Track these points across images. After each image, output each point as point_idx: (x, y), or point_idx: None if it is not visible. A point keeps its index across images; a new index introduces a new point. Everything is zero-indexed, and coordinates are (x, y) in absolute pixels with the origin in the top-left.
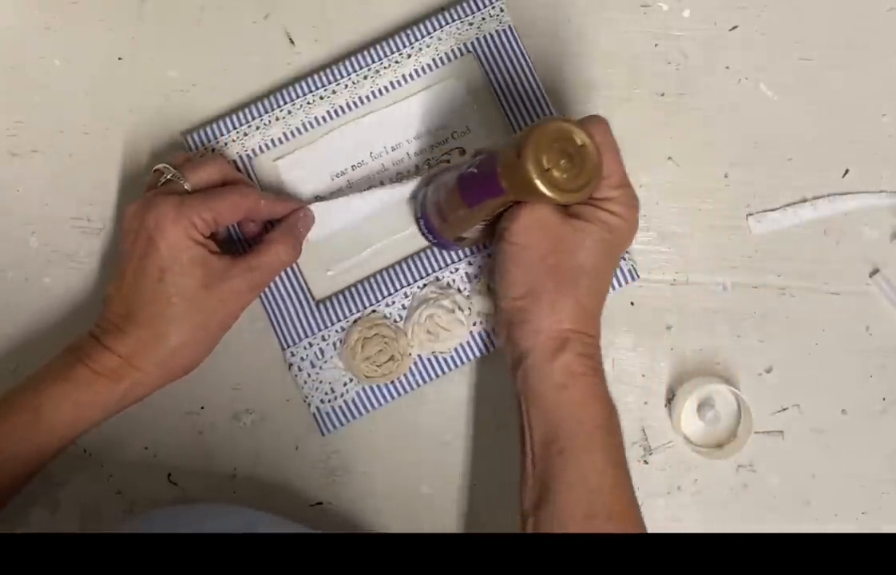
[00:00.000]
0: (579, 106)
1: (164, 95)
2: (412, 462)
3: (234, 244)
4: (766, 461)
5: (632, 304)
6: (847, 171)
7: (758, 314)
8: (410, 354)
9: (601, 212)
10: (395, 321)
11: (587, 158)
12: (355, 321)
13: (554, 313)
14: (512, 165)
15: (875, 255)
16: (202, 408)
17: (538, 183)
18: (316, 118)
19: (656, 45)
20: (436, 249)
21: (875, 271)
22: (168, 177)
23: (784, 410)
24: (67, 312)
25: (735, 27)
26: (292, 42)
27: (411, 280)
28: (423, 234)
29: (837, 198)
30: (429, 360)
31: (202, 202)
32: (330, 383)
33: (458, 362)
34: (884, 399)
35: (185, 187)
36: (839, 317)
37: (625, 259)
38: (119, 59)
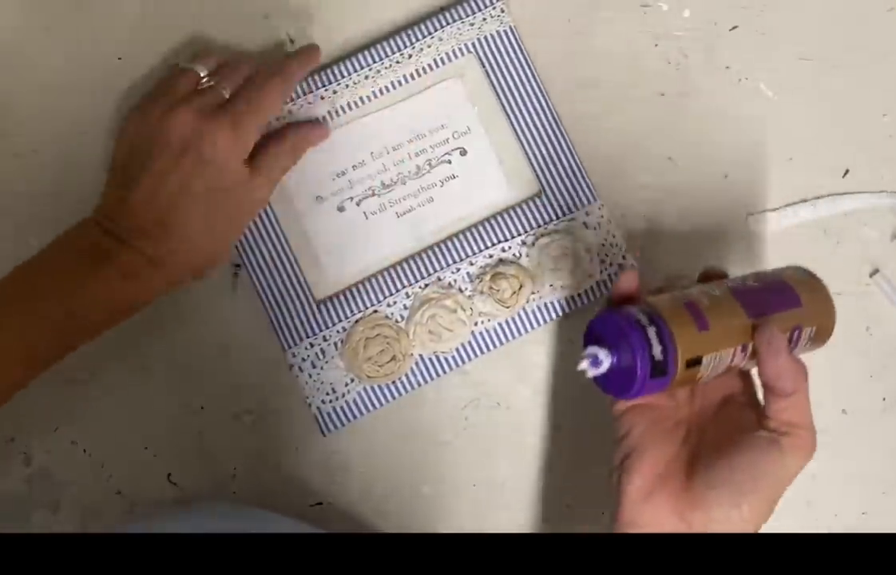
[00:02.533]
0: (579, 106)
1: None
2: (412, 462)
3: None
4: None
5: None
6: (847, 172)
7: None
8: (412, 354)
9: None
10: (397, 321)
11: None
12: (357, 321)
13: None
14: (818, 306)
15: (875, 256)
16: (202, 408)
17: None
18: (317, 118)
19: (656, 45)
20: (438, 249)
21: (875, 271)
22: (207, 84)
23: None
24: None
25: (735, 27)
26: (292, 42)
27: (413, 280)
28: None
29: (837, 198)
30: (430, 359)
31: (254, 115)
32: (331, 383)
33: (459, 362)
34: (884, 399)
35: (225, 96)
36: (839, 317)
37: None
38: (119, 59)
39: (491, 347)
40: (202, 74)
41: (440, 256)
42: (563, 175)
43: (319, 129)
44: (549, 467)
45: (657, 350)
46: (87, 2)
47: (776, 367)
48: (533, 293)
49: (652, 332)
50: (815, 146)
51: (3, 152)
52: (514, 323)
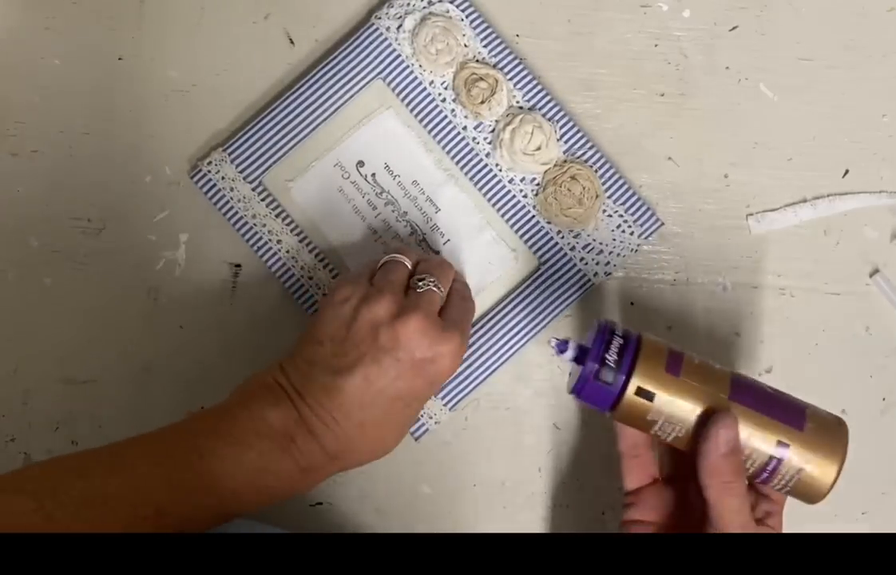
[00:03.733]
0: (579, 106)
1: (164, 95)
2: (412, 462)
3: None
4: None
5: (632, 304)
6: (847, 172)
7: (758, 314)
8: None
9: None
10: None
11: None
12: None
13: None
14: (821, 446)
15: (875, 255)
16: (202, 408)
17: (835, 481)
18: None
19: (656, 45)
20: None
21: (875, 271)
22: (427, 287)
23: None
24: (67, 312)
25: (735, 27)
26: (292, 42)
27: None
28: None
29: (837, 198)
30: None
31: (464, 333)
32: None
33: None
34: (884, 399)
35: (443, 298)
36: (839, 317)
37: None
38: (119, 59)
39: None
40: (427, 283)
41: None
42: None
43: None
44: (549, 467)
45: (612, 358)
46: (86, 1)
47: (706, 459)
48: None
49: (618, 342)
50: (815, 146)
51: (3, 152)
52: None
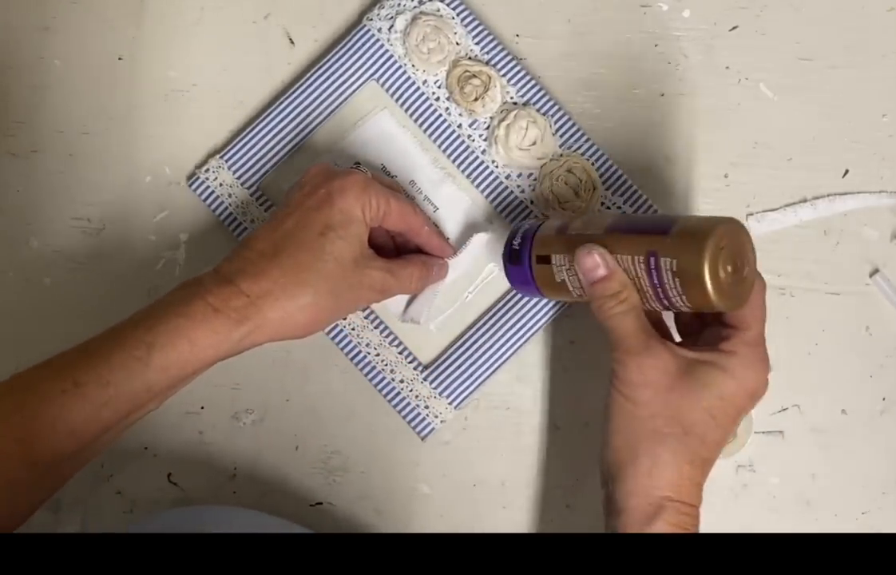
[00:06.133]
0: (579, 106)
1: (164, 95)
2: (412, 462)
3: None
4: (766, 461)
5: None
6: (847, 172)
7: None
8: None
9: (724, 372)
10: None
11: (747, 273)
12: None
13: (651, 478)
14: (685, 245)
15: (875, 256)
16: (202, 408)
17: (707, 272)
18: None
19: (656, 45)
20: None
21: (875, 271)
22: (358, 168)
23: (784, 410)
24: (67, 312)
25: (735, 27)
26: (292, 42)
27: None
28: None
29: (837, 198)
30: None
31: (384, 192)
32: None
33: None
34: (884, 399)
35: (369, 176)
36: (839, 317)
37: None
38: (119, 58)
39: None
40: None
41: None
42: None
43: (443, 269)
44: (549, 467)
45: (517, 242)
46: (86, 1)
47: (581, 261)
48: None
49: (523, 229)
50: (815, 146)
51: (3, 152)
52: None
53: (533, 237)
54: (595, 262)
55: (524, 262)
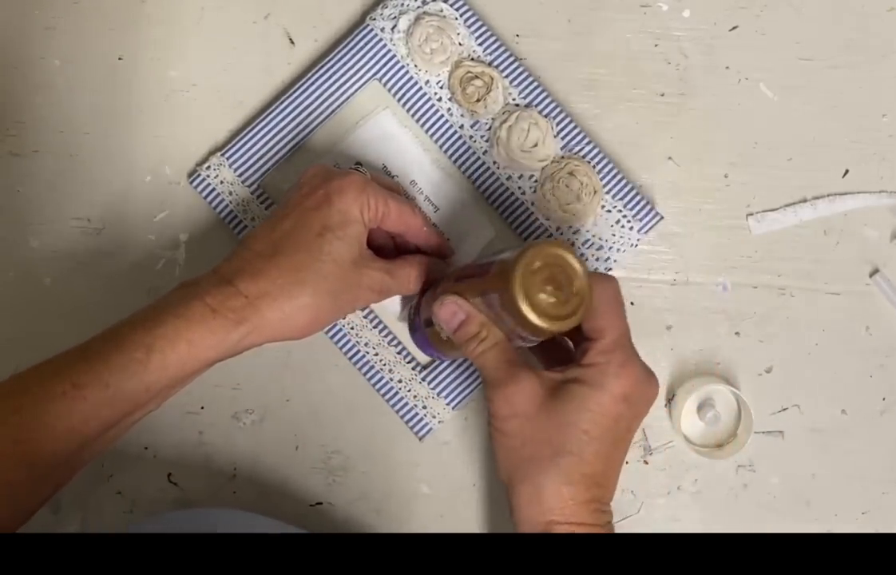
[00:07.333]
0: (579, 106)
1: (164, 95)
2: (411, 462)
3: None
4: (766, 461)
5: (632, 303)
6: (847, 172)
7: (758, 314)
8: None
9: (586, 385)
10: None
11: (576, 288)
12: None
13: (532, 506)
14: (502, 277)
15: (875, 256)
16: (202, 408)
17: (520, 299)
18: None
19: (656, 45)
20: None
21: (875, 271)
22: (358, 168)
23: (784, 410)
24: (67, 312)
25: (735, 27)
26: (292, 42)
27: None
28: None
29: (837, 198)
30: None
31: (382, 193)
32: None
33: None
34: (884, 399)
35: (368, 177)
36: (839, 317)
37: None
38: (119, 58)
39: None
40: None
41: None
42: None
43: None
44: None
45: (411, 310)
46: (87, 1)
47: (438, 314)
48: None
49: (415, 303)
50: (815, 146)
51: (3, 152)
52: None
53: (418, 308)
54: (452, 310)
55: (418, 327)
